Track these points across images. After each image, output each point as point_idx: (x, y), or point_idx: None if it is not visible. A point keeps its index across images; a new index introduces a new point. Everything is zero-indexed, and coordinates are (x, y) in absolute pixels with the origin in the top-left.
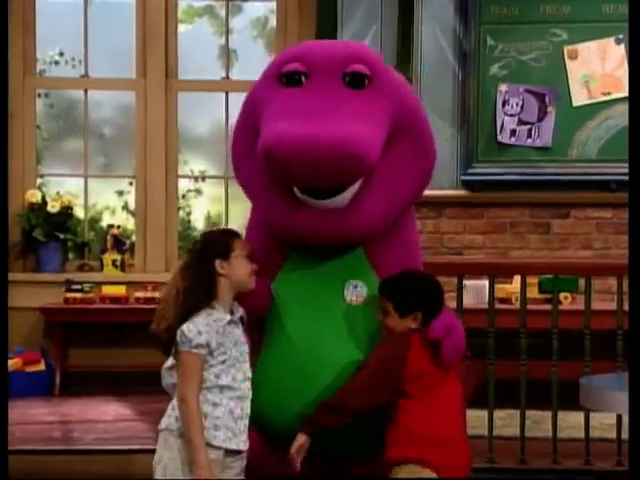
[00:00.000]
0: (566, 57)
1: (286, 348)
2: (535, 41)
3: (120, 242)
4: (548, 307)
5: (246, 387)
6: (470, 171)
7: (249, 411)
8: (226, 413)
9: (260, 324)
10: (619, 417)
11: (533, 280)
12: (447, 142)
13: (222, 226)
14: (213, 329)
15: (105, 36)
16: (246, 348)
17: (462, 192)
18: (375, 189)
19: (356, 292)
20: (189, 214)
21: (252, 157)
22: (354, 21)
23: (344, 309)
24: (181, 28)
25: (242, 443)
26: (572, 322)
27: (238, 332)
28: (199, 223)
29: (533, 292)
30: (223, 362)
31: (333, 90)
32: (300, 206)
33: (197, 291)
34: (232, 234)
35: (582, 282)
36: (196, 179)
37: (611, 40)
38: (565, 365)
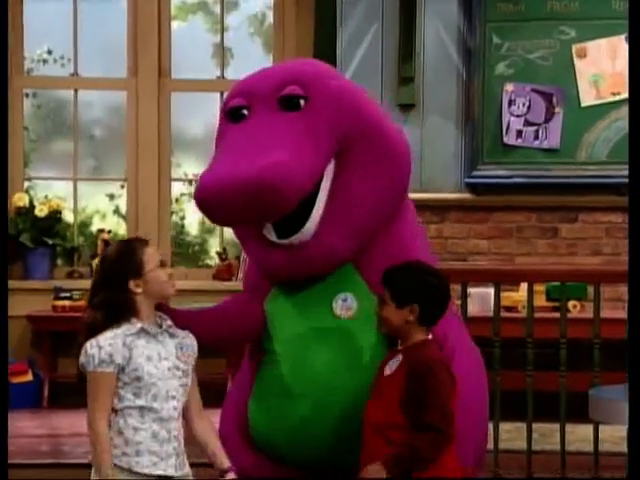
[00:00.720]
0: (574, 56)
1: (275, 366)
2: (542, 39)
3: None
4: (556, 315)
5: (171, 407)
6: (474, 173)
7: (177, 433)
8: (148, 437)
9: (258, 346)
10: None
11: (540, 287)
12: (450, 143)
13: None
14: (118, 342)
15: (95, 33)
16: (173, 362)
17: (466, 195)
18: (339, 212)
19: (345, 305)
20: (182, 219)
21: None
22: (354, 18)
23: (333, 323)
24: (174, 25)
25: (171, 468)
26: (581, 331)
27: (157, 345)
28: (193, 228)
29: (540, 300)
30: (138, 379)
31: (269, 118)
32: (269, 246)
33: (112, 319)
34: (139, 244)
35: (591, 289)
36: (190, 182)
37: (621, 38)
38: (574, 376)
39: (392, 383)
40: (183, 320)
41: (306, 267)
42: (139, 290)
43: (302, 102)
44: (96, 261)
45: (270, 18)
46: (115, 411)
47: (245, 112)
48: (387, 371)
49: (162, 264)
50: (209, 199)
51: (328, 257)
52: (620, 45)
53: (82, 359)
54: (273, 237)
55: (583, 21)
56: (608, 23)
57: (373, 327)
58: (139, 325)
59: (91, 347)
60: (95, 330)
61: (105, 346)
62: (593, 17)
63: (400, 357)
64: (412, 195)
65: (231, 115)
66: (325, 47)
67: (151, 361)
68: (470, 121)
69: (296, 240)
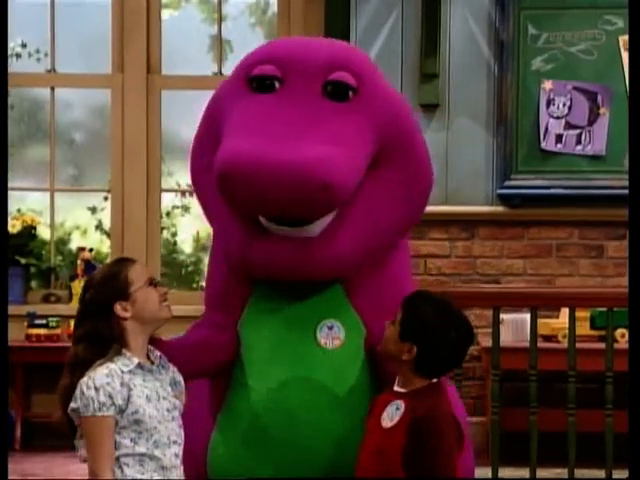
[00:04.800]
0: (622, 49)
1: (247, 402)
2: (585, 30)
3: (92, 268)
4: (601, 346)
5: (172, 454)
6: (508, 184)
7: None
8: None
9: (228, 377)
10: None
11: (584, 314)
12: (481, 149)
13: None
14: (116, 381)
15: (75, 24)
16: (172, 403)
17: (499, 208)
18: (354, 219)
19: (331, 334)
20: (174, 235)
21: (211, 175)
22: (370, 4)
23: (316, 353)
24: (165, 14)
25: None
26: None
27: (155, 383)
28: (186, 245)
29: (584, 328)
30: (137, 423)
31: (310, 101)
32: (261, 234)
33: (98, 351)
34: (123, 262)
35: None
36: (183, 194)
37: None
38: (621, 415)
39: (393, 437)
40: (165, 351)
41: (303, 265)
42: (127, 314)
43: (351, 94)
44: (76, 283)
45: (274, 6)
46: None
47: (275, 84)
48: (387, 422)
49: (152, 282)
50: (242, 176)
51: (331, 260)
52: None
53: (77, 403)
54: (271, 224)
55: None
56: None
57: (362, 361)
58: (136, 360)
59: (87, 389)
60: (81, 367)
61: (103, 386)
62: None
63: (401, 405)
64: (437, 208)
65: (257, 82)
66: (338, 36)
67: (151, 402)
68: (503, 124)
69: (301, 233)
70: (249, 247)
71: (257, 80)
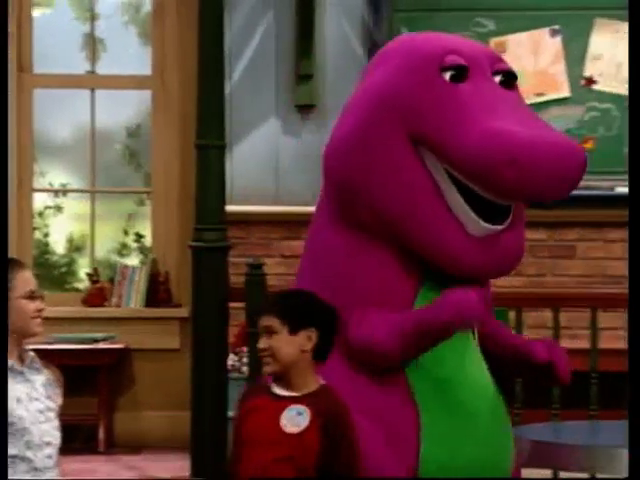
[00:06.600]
0: None
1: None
2: (457, 32)
3: None
4: None
5: (46, 455)
6: None
7: None
8: None
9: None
10: None
11: None
12: None
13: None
14: None
15: None
16: (45, 404)
17: None
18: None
19: None
20: (47, 235)
21: (405, 169)
22: (244, 5)
23: (472, 347)
24: (36, 12)
25: None
26: None
27: (25, 385)
28: (59, 246)
29: None
30: (9, 425)
31: (496, 89)
32: (466, 236)
33: None
34: (13, 265)
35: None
36: (56, 193)
37: (545, 31)
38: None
39: (305, 441)
40: None
41: (501, 260)
42: None
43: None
44: None
45: (147, 5)
46: None
47: (466, 74)
48: (291, 428)
49: (33, 294)
50: (546, 159)
51: (521, 249)
52: (543, 39)
53: None
54: (478, 223)
55: (502, 12)
56: (530, 15)
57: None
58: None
59: None
60: None
61: None
62: (513, 8)
63: (304, 409)
64: (312, 209)
65: (452, 73)
66: (212, 39)
67: (21, 403)
68: None
69: (496, 229)
70: (459, 248)
71: (454, 70)
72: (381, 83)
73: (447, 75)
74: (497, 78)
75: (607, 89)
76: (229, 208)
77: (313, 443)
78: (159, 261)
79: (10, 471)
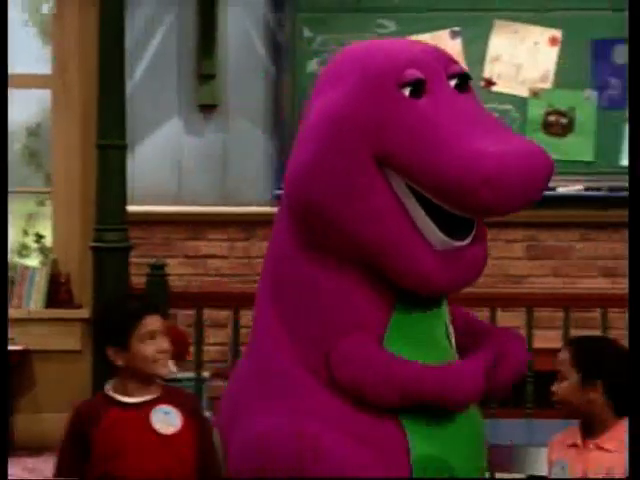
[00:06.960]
0: None
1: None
2: (359, 33)
3: None
4: None
5: None
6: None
7: None
8: None
9: None
10: None
11: None
12: (259, 151)
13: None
14: None
15: None
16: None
17: (275, 209)
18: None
19: None
20: None
21: (373, 193)
22: (146, 4)
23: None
24: None
25: None
26: None
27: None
28: None
29: None
30: None
31: (456, 99)
32: (431, 252)
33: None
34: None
35: None
36: None
37: (446, 33)
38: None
39: (183, 438)
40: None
41: (475, 274)
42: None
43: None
44: None
45: (48, 3)
46: None
47: (424, 87)
48: (167, 429)
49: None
50: (517, 176)
51: (485, 261)
52: (444, 41)
53: None
54: (442, 238)
55: (404, 13)
56: (431, 16)
57: None
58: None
59: None
60: None
61: None
62: (414, 9)
63: (170, 408)
64: (216, 209)
65: (411, 88)
66: (112, 38)
67: None
68: (280, 125)
69: (461, 243)
70: (432, 264)
71: (412, 85)
72: (338, 105)
73: (406, 91)
74: (452, 82)
75: (506, 90)
76: (130, 208)
77: (190, 438)
78: (60, 262)
79: None
